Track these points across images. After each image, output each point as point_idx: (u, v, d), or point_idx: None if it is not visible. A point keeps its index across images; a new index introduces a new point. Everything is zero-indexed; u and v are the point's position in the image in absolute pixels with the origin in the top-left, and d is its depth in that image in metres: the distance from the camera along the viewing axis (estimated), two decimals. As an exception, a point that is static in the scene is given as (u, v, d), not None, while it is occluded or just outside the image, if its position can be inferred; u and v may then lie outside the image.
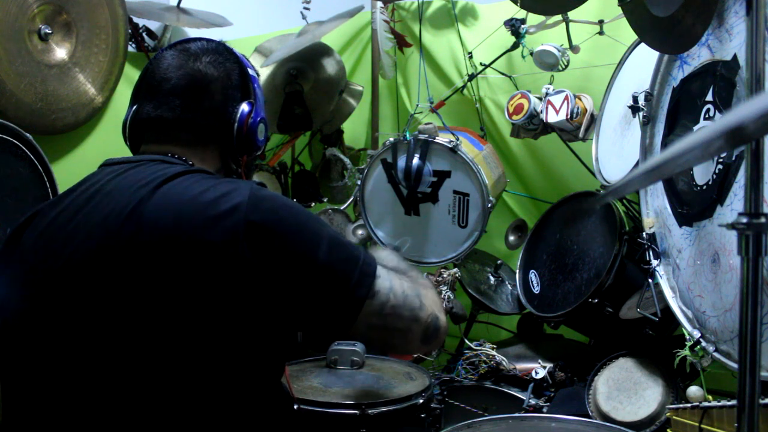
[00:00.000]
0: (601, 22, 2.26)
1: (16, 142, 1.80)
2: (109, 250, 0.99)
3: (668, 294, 1.71)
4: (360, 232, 2.47)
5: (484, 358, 2.09)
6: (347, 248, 1.05)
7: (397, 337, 1.06)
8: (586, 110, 2.23)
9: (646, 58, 1.84)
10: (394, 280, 1.07)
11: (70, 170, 2.12)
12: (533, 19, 2.34)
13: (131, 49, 2.35)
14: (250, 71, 1.22)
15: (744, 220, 0.94)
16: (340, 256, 1.03)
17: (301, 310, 1.01)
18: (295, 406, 1.17)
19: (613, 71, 2.15)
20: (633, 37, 1.97)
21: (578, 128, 2.23)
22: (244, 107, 1.17)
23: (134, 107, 1.19)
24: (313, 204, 2.71)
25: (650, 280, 1.76)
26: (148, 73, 1.18)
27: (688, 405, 1.48)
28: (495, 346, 2.14)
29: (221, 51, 1.19)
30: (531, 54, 2.29)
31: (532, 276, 2.26)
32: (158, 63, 1.18)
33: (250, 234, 0.96)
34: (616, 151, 2.05)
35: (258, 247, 0.96)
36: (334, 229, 1.07)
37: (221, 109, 1.16)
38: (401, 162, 2.20)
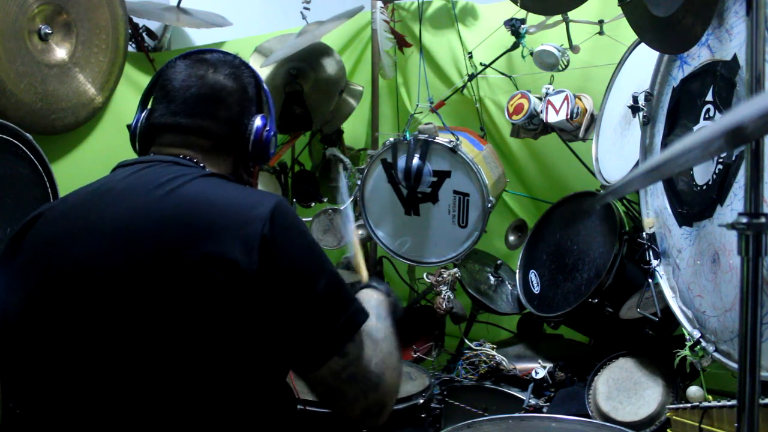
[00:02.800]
0: (601, 22, 2.25)
1: (16, 142, 1.80)
2: (122, 250, 0.99)
3: (668, 294, 1.71)
4: (360, 232, 2.47)
5: (484, 358, 2.09)
6: (345, 292, 1.06)
7: (339, 401, 1.06)
8: (586, 110, 2.23)
9: (646, 58, 1.84)
10: (365, 349, 1.06)
11: (70, 170, 2.12)
12: (533, 19, 2.34)
13: (131, 49, 2.36)
14: (264, 86, 1.26)
15: (744, 220, 0.94)
16: (336, 295, 1.04)
17: (282, 334, 1.01)
18: (297, 407, 1.17)
19: (613, 71, 2.15)
20: (633, 37, 1.97)
21: (578, 128, 2.23)
22: (259, 121, 1.21)
23: (145, 112, 1.21)
24: (313, 204, 2.71)
25: (650, 280, 1.76)
26: (163, 81, 1.20)
27: (688, 405, 1.48)
28: (495, 346, 2.14)
29: (238, 65, 1.23)
30: (531, 54, 2.29)
31: (532, 276, 2.26)
32: (175, 71, 1.19)
33: (263, 246, 0.97)
34: (616, 151, 2.05)
35: (265, 260, 0.97)
36: (337, 271, 1.07)
37: (237, 121, 1.20)
38: (401, 162, 2.20)
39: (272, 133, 1.23)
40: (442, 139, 2.17)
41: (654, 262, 1.76)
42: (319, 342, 1.01)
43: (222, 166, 1.19)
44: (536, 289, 2.23)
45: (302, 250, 1.03)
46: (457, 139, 2.15)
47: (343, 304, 1.04)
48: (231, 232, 0.98)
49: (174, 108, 1.17)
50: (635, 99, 1.81)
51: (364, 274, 1.43)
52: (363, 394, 1.05)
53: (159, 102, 1.19)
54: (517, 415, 1.69)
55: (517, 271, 2.34)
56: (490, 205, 2.14)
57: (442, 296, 2.22)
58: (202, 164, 1.15)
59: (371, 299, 1.20)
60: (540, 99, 2.29)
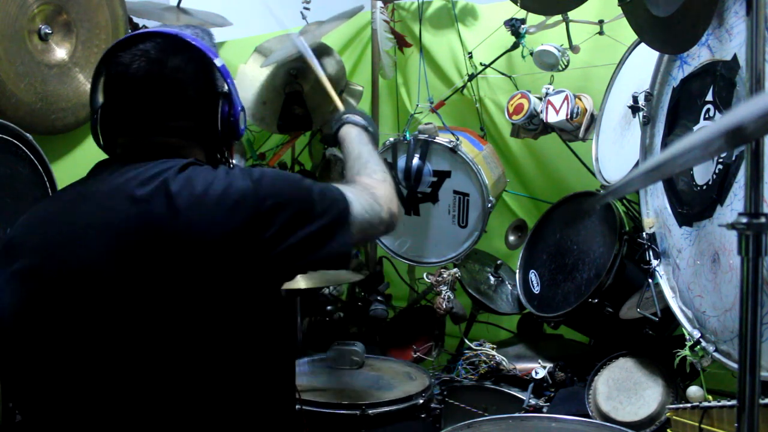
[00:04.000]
0: (601, 22, 2.26)
1: (16, 142, 1.80)
2: (113, 247, 0.99)
3: (668, 294, 1.70)
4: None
5: (484, 358, 2.09)
6: (330, 191, 1.14)
7: (371, 236, 1.27)
8: (586, 110, 2.23)
9: (646, 58, 1.84)
10: (360, 199, 1.18)
11: (70, 170, 2.11)
12: (533, 19, 2.34)
13: (131, 49, 2.35)
14: (217, 61, 1.17)
15: (744, 220, 0.94)
16: (328, 200, 1.12)
17: (307, 252, 1.07)
18: (296, 406, 1.17)
19: (613, 71, 2.15)
20: (633, 37, 1.97)
21: (578, 128, 2.23)
22: (222, 103, 1.16)
23: (100, 111, 1.15)
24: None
25: (650, 280, 1.76)
26: (113, 80, 1.14)
27: (688, 405, 1.48)
28: (495, 346, 2.14)
29: (181, 48, 1.14)
30: (531, 54, 2.29)
31: (532, 276, 2.26)
32: (121, 69, 1.12)
33: (266, 210, 1.02)
34: (616, 151, 2.05)
35: (270, 220, 1.02)
36: (311, 180, 1.14)
37: (198, 111, 1.15)
38: (401, 162, 2.20)
39: (238, 110, 1.19)
40: (442, 139, 2.17)
41: (654, 262, 1.76)
42: (341, 232, 1.11)
43: (196, 154, 1.16)
44: (536, 289, 2.23)
45: (294, 188, 1.09)
46: (457, 139, 2.15)
47: (337, 198, 1.13)
48: (225, 217, 1.01)
49: (132, 113, 1.12)
50: (635, 99, 1.81)
51: (336, 100, 1.66)
52: (380, 220, 1.20)
53: (114, 103, 1.14)
54: (517, 415, 1.69)
55: (517, 271, 2.34)
56: (490, 205, 2.14)
57: (442, 296, 2.22)
58: (180, 155, 1.11)
59: (351, 132, 1.44)
60: (540, 99, 2.28)
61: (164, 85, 1.12)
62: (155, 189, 1.02)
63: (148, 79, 1.11)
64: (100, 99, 1.16)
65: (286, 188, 1.08)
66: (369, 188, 1.24)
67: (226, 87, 1.18)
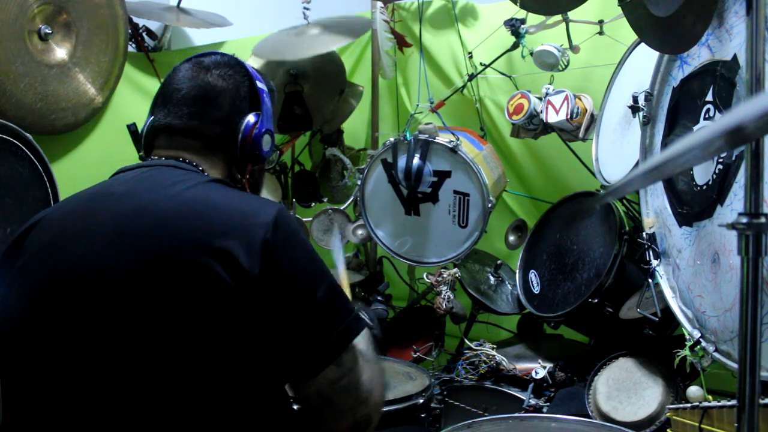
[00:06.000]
0: (601, 22, 2.26)
1: (16, 142, 1.80)
2: (125, 249, 0.99)
3: (668, 294, 1.71)
4: (360, 232, 2.47)
5: (484, 358, 2.09)
6: (344, 301, 1.06)
7: (331, 413, 1.06)
8: (586, 110, 2.23)
9: (646, 58, 1.84)
10: (359, 362, 1.06)
11: (70, 170, 2.12)
12: (533, 19, 2.34)
13: (131, 49, 2.36)
14: (260, 84, 1.24)
15: (744, 220, 0.94)
16: (334, 303, 1.04)
17: (280, 341, 1.00)
18: (296, 407, 1.17)
19: (613, 71, 2.15)
20: (633, 37, 1.97)
21: (578, 128, 2.23)
22: (250, 119, 1.20)
23: (151, 117, 1.22)
24: (313, 204, 2.71)
25: (650, 280, 1.76)
26: (163, 85, 1.22)
27: (688, 405, 1.48)
28: (495, 346, 2.14)
29: (232, 65, 1.22)
30: (531, 54, 2.29)
31: (532, 276, 2.26)
32: (174, 75, 1.21)
33: (265, 251, 0.98)
34: (616, 151, 2.05)
35: (267, 265, 0.97)
36: (336, 280, 1.07)
37: (227, 120, 1.19)
38: (401, 162, 2.20)
39: (263, 130, 1.21)
40: (442, 139, 2.17)
41: (654, 262, 1.76)
42: (316, 350, 1.01)
43: (215, 166, 1.19)
44: (536, 289, 2.23)
45: (303, 257, 1.03)
46: (457, 139, 2.15)
47: (341, 313, 1.04)
48: (235, 235, 0.98)
49: (167, 111, 1.18)
50: (635, 99, 1.81)
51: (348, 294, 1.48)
52: (353, 407, 1.06)
53: (158, 105, 1.21)
54: (517, 415, 1.69)
55: (517, 271, 2.34)
56: (490, 205, 2.14)
57: (442, 296, 2.22)
58: (201, 167, 1.16)
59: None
60: (540, 99, 2.28)
61: (202, 88, 1.18)
62: (173, 194, 1.03)
63: (191, 80, 1.18)
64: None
65: (301, 248, 1.04)
66: (373, 377, 1.10)
67: (260, 109, 1.22)
